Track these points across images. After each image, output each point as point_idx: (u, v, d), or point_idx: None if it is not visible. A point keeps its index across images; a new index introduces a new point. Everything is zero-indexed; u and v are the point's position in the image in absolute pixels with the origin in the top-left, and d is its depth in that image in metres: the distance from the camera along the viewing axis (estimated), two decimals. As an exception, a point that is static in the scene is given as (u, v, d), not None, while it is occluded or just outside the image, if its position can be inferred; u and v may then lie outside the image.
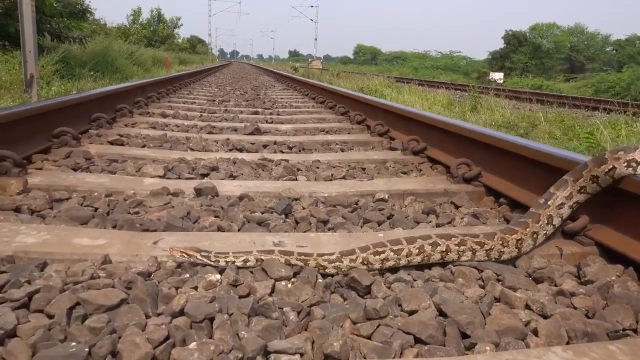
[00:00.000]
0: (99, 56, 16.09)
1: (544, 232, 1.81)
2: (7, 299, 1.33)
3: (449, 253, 1.67)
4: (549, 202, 1.83)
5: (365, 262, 1.59)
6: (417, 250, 1.64)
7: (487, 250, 1.70)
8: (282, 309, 1.35)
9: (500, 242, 1.71)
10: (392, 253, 1.62)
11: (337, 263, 1.59)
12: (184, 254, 1.58)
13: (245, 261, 1.59)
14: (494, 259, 1.72)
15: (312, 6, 61.93)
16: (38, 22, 9.82)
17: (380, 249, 1.61)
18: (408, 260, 1.64)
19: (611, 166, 1.81)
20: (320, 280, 1.52)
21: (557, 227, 1.87)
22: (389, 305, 1.36)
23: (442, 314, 1.36)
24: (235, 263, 1.59)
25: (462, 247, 1.68)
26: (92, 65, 14.56)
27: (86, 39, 16.73)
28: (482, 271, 1.64)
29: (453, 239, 1.68)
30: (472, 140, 2.91)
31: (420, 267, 1.68)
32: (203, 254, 1.59)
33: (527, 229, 1.76)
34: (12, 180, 2.32)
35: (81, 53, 15.71)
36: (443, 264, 1.70)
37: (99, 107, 4.41)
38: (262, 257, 1.59)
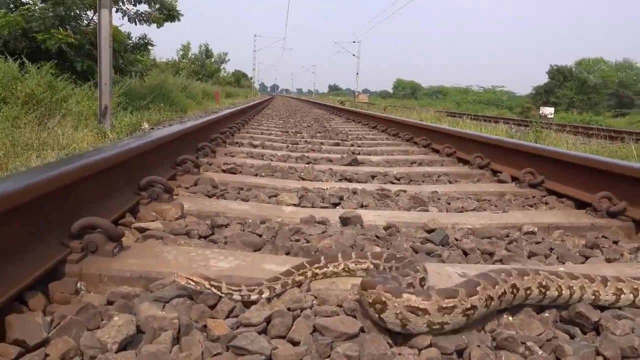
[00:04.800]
0: (156, 89, 16.61)
1: None
2: (244, 323, 1.32)
3: None
4: None
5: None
6: None
7: None
8: (524, 343, 1.29)
9: None
10: None
11: None
12: (189, 281, 1.42)
13: (260, 292, 1.47)
14: None
15: (354, 41, 62.99)
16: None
17: None
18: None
19: None
20: (546, 315, 1.46)
21: None
22: (638, 344, 1.28)
23: (699, 354, 1.27)
24: (252, 297, 1.46)
25: None
26: (152, 98, 15.02)
27: (145, 73, 17.47)
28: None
29: None
30: (609, 173, 2.82)
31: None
32: (213, 282, 1.44)
33: None
34: (168, 206, 2.36)
35: (140, 86, 16.29)
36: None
37: (199, 137, 4.52)
38: (274, 286, 1.49)
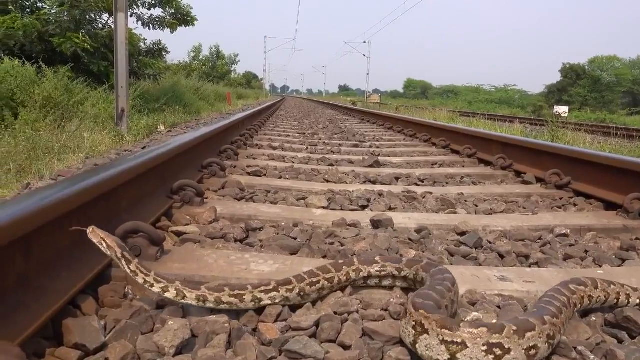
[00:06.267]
0: (170, 92, 16.64)
1: None
2: (294, 327, 1.34)
3: None
4: None
5: None
6: None
7: None
8: (575, 348, 1.29)
9: None
10: None
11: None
12: (102, 242, 1.34)
13: (165, 289, 1.35)
14: None
15: (364, 42, 63.04)
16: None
17: None
18: None
19: None
20: (593, 319, 1.46)
21: None
22: (691, 348, 1.28)
23: None
24: (154, 288, 1.35)
25: None
26: (166, 100, 15.05)
27: (160, 76, 17.59)
28: None
29: None
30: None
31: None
32: (125, 254, 1.35)
33: None
34: (201, 210, 2.39)
35: (154, 89, 16.35)
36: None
37: (221, 140, 4.55)
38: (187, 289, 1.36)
